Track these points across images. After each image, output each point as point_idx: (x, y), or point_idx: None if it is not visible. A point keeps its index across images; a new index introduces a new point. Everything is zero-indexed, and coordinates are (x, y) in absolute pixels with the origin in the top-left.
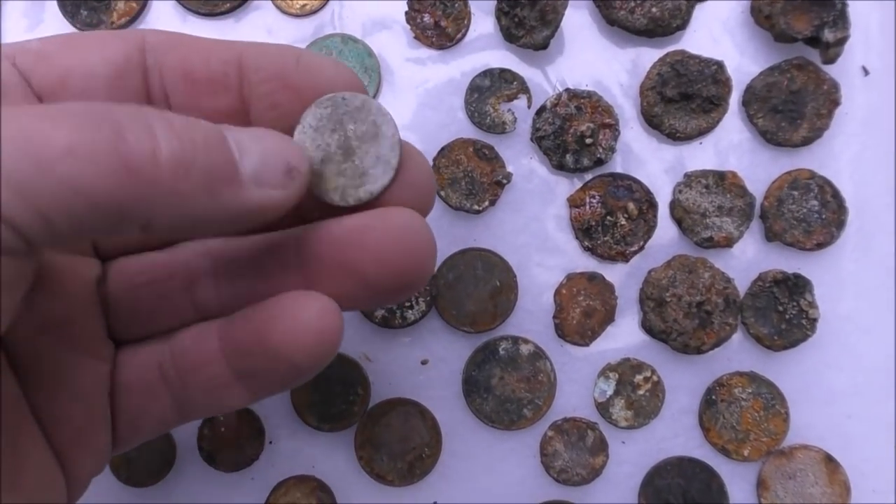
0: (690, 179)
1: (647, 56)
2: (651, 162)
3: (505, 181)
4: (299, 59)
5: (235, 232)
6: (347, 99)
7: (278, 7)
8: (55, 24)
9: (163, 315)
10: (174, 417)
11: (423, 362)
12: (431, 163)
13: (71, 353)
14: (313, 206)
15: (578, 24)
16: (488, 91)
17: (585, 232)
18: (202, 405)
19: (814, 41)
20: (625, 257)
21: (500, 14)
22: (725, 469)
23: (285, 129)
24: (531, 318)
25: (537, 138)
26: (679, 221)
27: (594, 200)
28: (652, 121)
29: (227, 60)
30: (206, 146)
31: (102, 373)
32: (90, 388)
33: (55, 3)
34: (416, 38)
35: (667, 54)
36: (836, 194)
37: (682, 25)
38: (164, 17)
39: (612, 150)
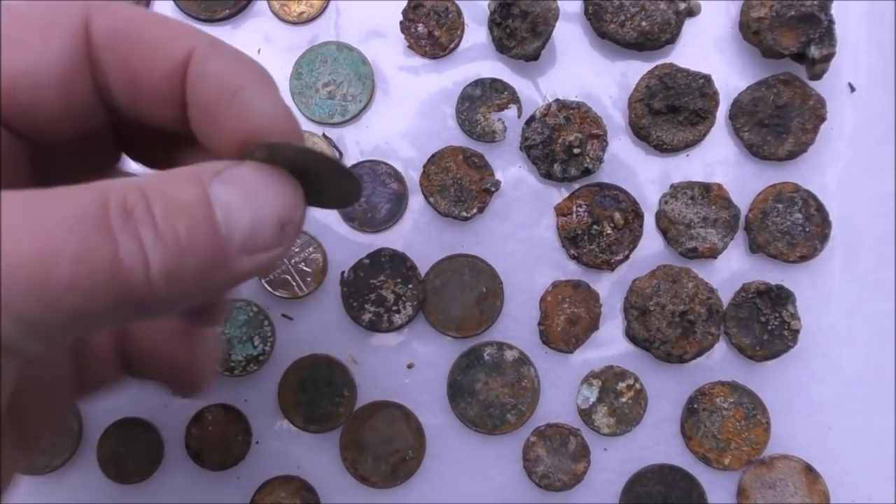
0: (676, 190)
1: (637, 69)
2: (638, 173)
3: (493, 189)
4: (236, 94)
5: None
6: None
7: (276, 14)
8: None
9: None
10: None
11: (409, 366)
12: (422, 169)
13: None
14: None
15: (569, 36)
16: (479, 100)
17: (572, 240)
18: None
19: (800, 57)
20: (610, 266)
21: (493, 25)
22: (706, 477)
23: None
24: (516, 325)
25: (526, 147)
26: (664, 232)
27: (581, 209)
28: (639, 132)
29: (170, 74)
30: (192, 242)
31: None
32: None
33: None
34: (409, 47)
35: (655, 67)
36: (821, 208)
37: (672, 39)
38: None
39: (600, 160)
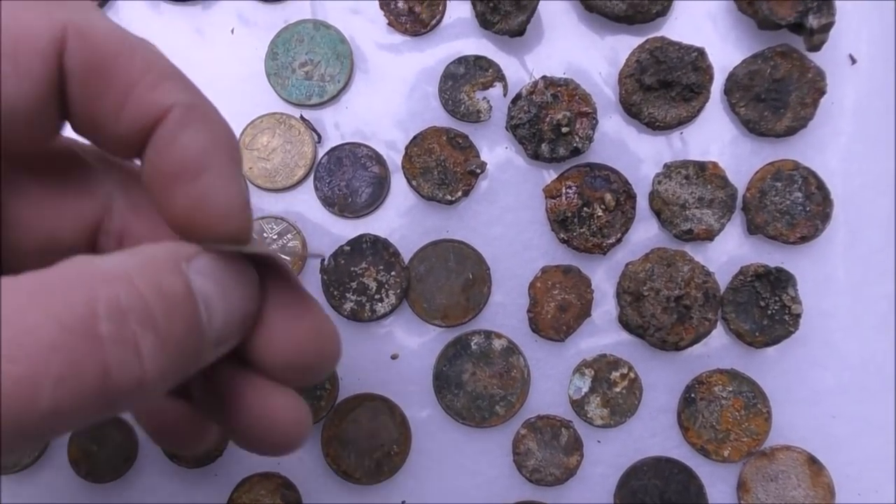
0: (670, 170)
1: (627, 43)
2: (630, 152)
3: (479, 171)
4: (200, 176)
5: None
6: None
7: None
8: None
9: None
10: None
11: (393, 357)
12: (404, 151)
13: None
14: None
15: (556, 10)
16: (463, 78)
17: (561, 223)
18: None
19: (798, 28)
20: (602, 250)
21: None
22: (704, 470)
23: None
24: (504, 312)
25: (512, 127)
26: (658, 213)
27: (570, 191)
28: (631, 109)
29: (137, 127)
30: (186, 341)
31: None
32: None
33: None
34: (389, 24)
35: (646, 41)
36: (822, 186)
37: (663, 12)
38: (135, 4)
39: (590, 139)
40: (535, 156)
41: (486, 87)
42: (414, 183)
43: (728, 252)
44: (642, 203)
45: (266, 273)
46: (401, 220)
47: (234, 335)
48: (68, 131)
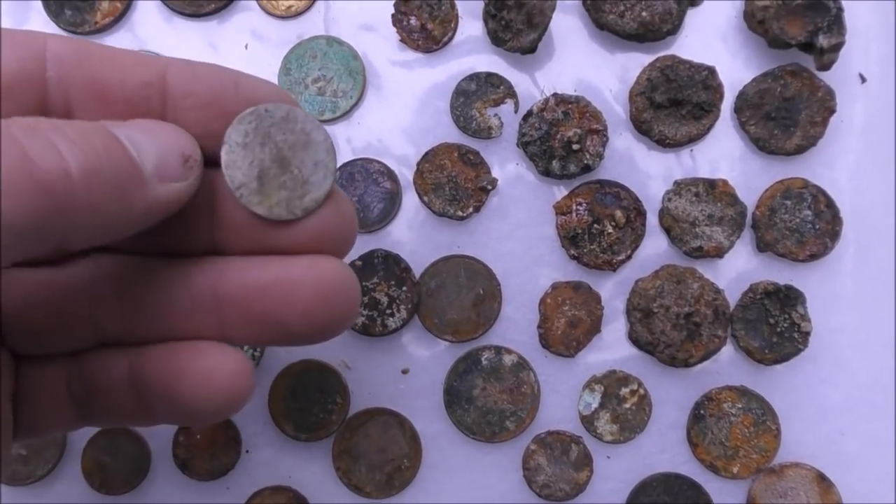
0: (680, 187)
1: (638, 61)
2: (640, 169)
3: (490, 187)
4: (238, 85)
5: (140, 230)
6: (271, 110)
7: (264, 8)
8: (39, 24)
9: (63, 337)
10: (78, 424)
11: (404, 371)
12: (415, 167)
13: None
14: (239, 220)
15: (567, 27)
16: (474, 95)
17: (571, 240)
18: (106, 421)
19: (808, 47)
20: (612, 266)
21: (487, 17)
22: (713, 486)
23: (210, 151)
24: (515, 328)
25: (523, 143)
26: (668, 230)
27: (581, 208)
28: (641, 127)
29: (148, 82)
30: (107, 151)
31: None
32: None
33: (40, 2)
34: (402, 40)
35: (657, 59)
36: (831, 204)
37: (674, 30)
38: (149, 18)
39: (600, 156)
40: (546, 172)
41: (497, 103)
42: (425, 199)
43: (737, 269)
44: (652, 220)
45: None
46: (412, 235)
47: (179, 172)
48: None
